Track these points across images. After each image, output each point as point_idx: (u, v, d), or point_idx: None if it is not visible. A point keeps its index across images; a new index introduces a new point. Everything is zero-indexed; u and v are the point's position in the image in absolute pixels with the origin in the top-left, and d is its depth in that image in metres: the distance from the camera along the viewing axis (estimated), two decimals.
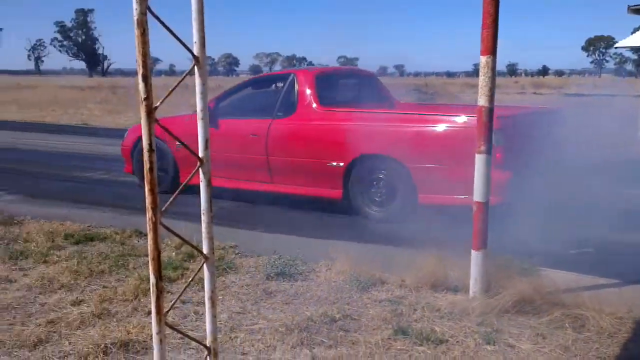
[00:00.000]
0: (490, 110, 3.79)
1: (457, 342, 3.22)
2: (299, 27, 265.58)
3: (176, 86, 1.43)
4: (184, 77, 1.38)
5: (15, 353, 3.08)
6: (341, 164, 6.27)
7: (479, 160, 3.80)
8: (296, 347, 3.15)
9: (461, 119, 5.76)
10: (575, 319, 3.47)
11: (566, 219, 5.43)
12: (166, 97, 1.43)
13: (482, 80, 3.76)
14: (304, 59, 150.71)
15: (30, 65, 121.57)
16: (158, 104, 1.31)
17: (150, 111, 1.21)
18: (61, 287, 4.08)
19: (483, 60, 3.73)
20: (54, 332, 3.35)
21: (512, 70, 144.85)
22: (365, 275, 4.16)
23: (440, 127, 5.84)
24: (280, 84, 7.16)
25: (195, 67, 1.36)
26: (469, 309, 3.61)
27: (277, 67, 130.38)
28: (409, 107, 7.83)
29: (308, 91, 6.62)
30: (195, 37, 1.35)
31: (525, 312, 3.59)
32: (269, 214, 6.48)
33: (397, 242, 5.26)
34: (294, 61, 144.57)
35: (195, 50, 1.35)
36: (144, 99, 1.21)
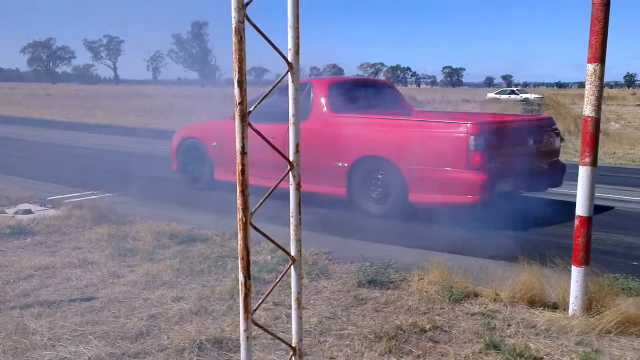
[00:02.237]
0: (597, 121, 3.62)
1: None
2: (404, 37, 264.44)
3: (269, 92, 1.49)
4: (277, 83, 1.43)
5: (118, 344, 3.28)
6: (345, 164, 6.92)
7: (584, 172, 3.63)
8: (384, 355, 3.14)
9: (449, 125, 6.33)
10: None
11: None
12: (260, 101, 1.48)
13: (589, 89, 3.60)
14: (409, 69, 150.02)
15: (149, 75, 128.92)
16: (252, 108, 1.37)
17: (244, 115, 1.26)
18: (163, 284, 4.29)
19: (590, 68, 3.57)
20: (154, 326, 3.53)
21: (630, 81, 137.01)
22: (458, 287, 4.07)
23: (428, 133, 6.43)
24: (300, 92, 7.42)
25: (289, 73, 1.41)
26: (567, 327, 3.45)
27: (381, 77, 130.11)
28: (417, 115, 8.42)
29: (322, 99, 7.36)
30: (290, 44, 1.40)
31: (628, 333, 3.38)
32: (360, 222, 6.52)
33: (492, 254, 5.17)
34: (398, 71, 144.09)
35: (290, 57, 1.40)
36: (239, 103, 1.27)
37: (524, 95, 47.33)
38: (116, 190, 8.21)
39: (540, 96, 48.27)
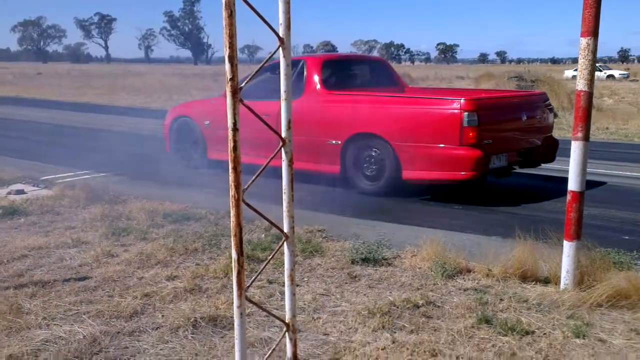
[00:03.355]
0: (590, 95, 3.61)
1: (544, 334, 3.12)
2: (398, 14, 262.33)
3: (261, 67, 1.47)
4: (269, 57, 1.42)
5: (112, 323, 3.29)
6: (339, 142, 6.90)
7: (576, 147, 3.63)
8: (377, 331, 3.16)
9: (442, 102, 6.30)
10: None
11: None
12: (251, 77, 1.47)
13: (582, 63, 3.59)
14: (402, 45, 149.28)
15: (141, 54, 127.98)
16: (243, 84, 1.36)
17: (235, 91, 1.25)
18: (158, 262, 4.30)
19: (583, 42, 3.56)
20: (149, 304, 3.55)
21: (624, 57, 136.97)
22: (451, 263, 4.10)
23: (421, 109, 6.42)
24: (292, 69, 7.41)
25: (280, 48, 1.39)
26: (559, 301, 3.48)
27: (375, 54, 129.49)
28: (410, 91, 8.33)
29: (315, 76, 7.29)
30: (281, 18, 1.38)
31: (619, 307, 3.42)
32: (355, 199, 6.54)
33: (485, 230, 5.21)
34: (392, 48, 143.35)
35: (281, 32, 1.38)
36: (230, 79, 1.26)
37: (608, 72, 46.19)
38: (109, 169, 8.19)
39: (626, 73, 47.24)
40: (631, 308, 3.41)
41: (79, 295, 3.67)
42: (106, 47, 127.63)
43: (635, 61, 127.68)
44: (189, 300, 3.59)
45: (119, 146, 10.62)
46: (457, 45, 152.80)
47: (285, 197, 1.45)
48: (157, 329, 3.22)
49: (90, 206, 5.86)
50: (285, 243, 1.47)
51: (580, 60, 3.59)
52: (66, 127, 14.03)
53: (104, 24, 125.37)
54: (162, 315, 3.38)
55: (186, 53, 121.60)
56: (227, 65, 1.25)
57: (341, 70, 7.98)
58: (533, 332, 3.14)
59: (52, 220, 5.45)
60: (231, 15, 1.22)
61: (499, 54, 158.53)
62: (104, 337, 3.09)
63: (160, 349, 3.00)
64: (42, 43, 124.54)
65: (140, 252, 4.49)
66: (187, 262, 4.33)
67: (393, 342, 3.02)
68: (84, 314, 3.38)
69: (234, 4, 1.22)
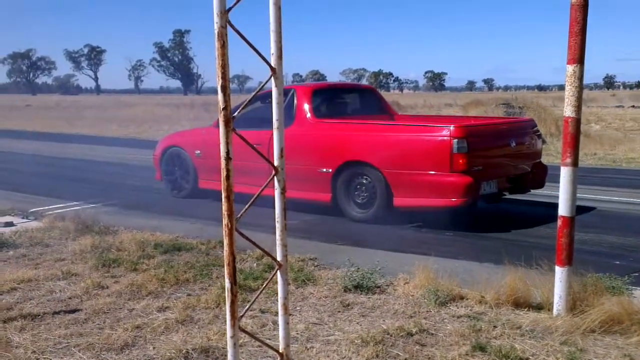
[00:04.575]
0: (578, 121, 3.66)
1: None
2: (386, 42, 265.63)
3: (253, 96, 1.49)
4: (260, 87, 1.43)
5: (103, 355, 3.25)
6: (330, 170, 6.92)
7: (566, 172, 3.67)
8: None
9: (432, 129, 6.39)
10: None
11: None
12: (243, 106, 1.48)
13: (569, 90, 3.64)
14: (391, 73, 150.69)
15: (131, 85, 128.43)
16: (236, 113, 1.37)
17: (228, 120, 1.27)
18: (149, 294, 4.26)
19: (570, 69, 3.62)
20: (140, 336, 3.50)
21: (610, 83, 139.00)
22: (444, 290, 4.09)
23: (411, 136, 6.47)
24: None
25: (272, 77, 1.41)
26: (552, 327, 3.47)
27: (364, 82, 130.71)
28: (400, 119, 8.43)
29: (305, 104, 7.34)
30: (273, 49, 1.40)
31: (612, 332, 3.41)
32: (347, 227, 6.54)
33: (477, 257, 5.21)
34: (381, 76, 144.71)
35: (273, 62, 1.40)
36: (223, 109, 1.27)
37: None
38: (99, 200, 8.15)
39: None
40: (624, 333, 3.40)
41: (69, 328, 3.62)
42: (96, 79, 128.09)
43: (621, 87, 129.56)
44: (181, 332, 3.55)
45: (109, 177, 10.60)
46: (445, 73, 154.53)
47: (278, 225, 1.45)
48: None
49: (80, 237, 5.81)
50: (278, 272, 1.46)
51: (567, 87, 3.64)
52: (55, 159, 13.98)
53: (94, 56, 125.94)
54: (154, 347, 3.34)
55: (176, 83, 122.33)
56: (220, 95, 1.26)
57: (331, 99, 8.05)
58: (527, 359, 3.13)
59: (42, 252, 5.40)
60: (223, 45, 1.24)
61: (486, 81, 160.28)
62: None
63: None
64: (31, 75, 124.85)
65: (131, 283, 4.45)
66: (178, 293, 4.29)
67: None
68: (74, 347, 3.33)
69: (227, 35, 1.24)
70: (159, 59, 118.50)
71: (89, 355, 3.23)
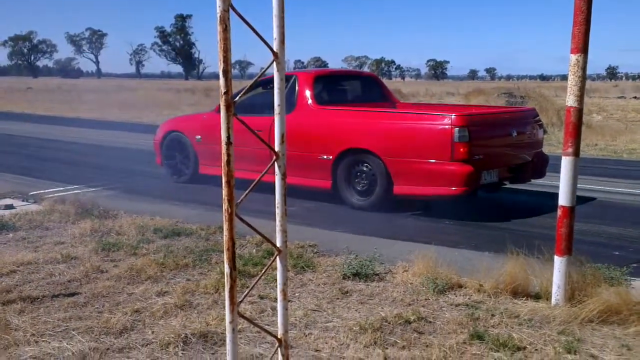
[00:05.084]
0: (580, 111, 3.65)
1: (536, 349, 3.12)
2: (389, 30, 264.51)
3: (255, 81, 1.48)
4: (263, 72, 1.42)
5: (102, 339, 3.26)
6: (330, 157, 6.92)
7: (567, 162, 3.66)
8: (369, 347, 3.15)
9: (433, 117, 6.36)
10: None
11: None
12: (245, 92, 1.47)
13: (572, 79, 3.62)
14: (393, 61, 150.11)
15: (132, 69, 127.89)
16: (237, 98, 1.36)
17: (229, 104, 1.25)
18: (148, 278, 4.27)
19: (573, 58, 3.60)
20: (139, 321, 3.51)
21: (613, 74, 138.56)
22: (443, 278, 4.10)
23: (412, 125, 6.46)
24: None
25: (274, 62, 1.40)
26: (550, 317, 3.48)
27: (366, 70, 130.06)
28: (402, 107, 8.37)
29: (306, 91, 7.32)
30: (275, 33, 1.39)
31: (610, 322, 3.42)
32: (346, 214, 6.54)
33: (476, 246, 5.22)
34: (383, 64, 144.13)
35: (275, 47, 1.39)
36: (224, 93, 1.26)
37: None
38: (99, 184, 8.15)
39: None
40: (622, 323, 3.41)
41: (68, 311, 3.63)
42: (97, 62, 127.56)
43: (623, 78, 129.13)
44: (180, 316, 3.56)
45: (110, 161, 10.58)
46: (448, 62, 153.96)
47: (278, 211, 1.45)
48: (147, 345, 3.18)
49: (80, 221, 5.82)
50: (278, 258, 1.46)
51: (570, 77, 3.62)
52: (56, 142, 13.95)
53: (95, 39, 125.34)
54: (152, 332, 3.35)
55: (177, 68, 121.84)
56: (222, 79, 1.25)
57: (333, 86, 8.02)
58: (525, 348, 3.14)
59: (41, 235, 5.40)
60: (226, 29, 1.23)
61: (488, 70, 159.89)
62: (94, 354, 3.05)
63: None
64: (32, 58, 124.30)
65: (130, 267, 4.45)
66: (177, 278, 4.30)
67: (385, 359, 3.00)
68: (73, 330, 3.34)
69: (229, 19, 1.23)
70: (160, 43, 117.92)
71: (87, 338, 3.24)
